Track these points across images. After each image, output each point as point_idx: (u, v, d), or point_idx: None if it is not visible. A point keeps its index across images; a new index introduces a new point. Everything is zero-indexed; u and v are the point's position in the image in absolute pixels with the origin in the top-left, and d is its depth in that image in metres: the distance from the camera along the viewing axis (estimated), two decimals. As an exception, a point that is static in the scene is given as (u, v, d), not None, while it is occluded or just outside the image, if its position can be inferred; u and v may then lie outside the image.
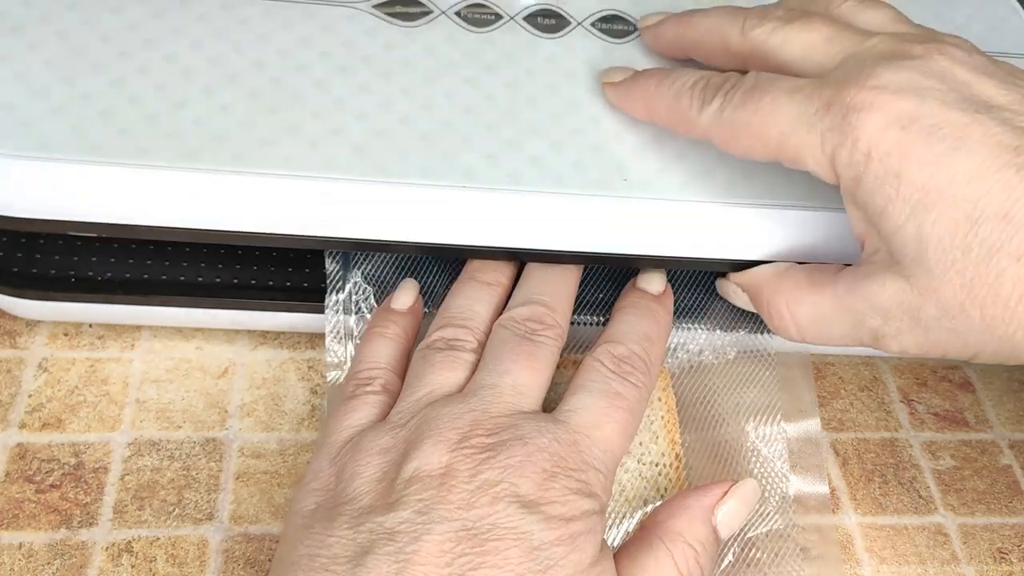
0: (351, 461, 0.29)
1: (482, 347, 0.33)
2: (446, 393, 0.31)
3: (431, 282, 0.38)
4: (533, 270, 0.35)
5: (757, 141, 0.31)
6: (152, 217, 0.34)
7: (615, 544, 0.33)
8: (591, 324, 0.38)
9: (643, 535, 0.31)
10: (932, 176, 0.28)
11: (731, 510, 0.32)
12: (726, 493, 0.32)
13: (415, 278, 0.38)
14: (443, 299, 0.36)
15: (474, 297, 0.34)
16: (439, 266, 0.39)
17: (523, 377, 0.31)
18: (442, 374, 0.31)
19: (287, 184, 0.34)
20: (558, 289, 0.35)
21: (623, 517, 0.33)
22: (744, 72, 0.33)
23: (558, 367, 0.35)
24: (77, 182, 0.33)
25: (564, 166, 0.36)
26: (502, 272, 0.36)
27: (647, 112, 0.36)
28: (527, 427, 0.29)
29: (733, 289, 0.36)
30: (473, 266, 0.36)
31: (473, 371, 0.32)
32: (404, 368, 0.33)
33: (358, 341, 0.36)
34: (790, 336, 0.33)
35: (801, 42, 0.32)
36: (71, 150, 0.34)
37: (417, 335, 0.35)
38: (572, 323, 0.37)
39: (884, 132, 0.28)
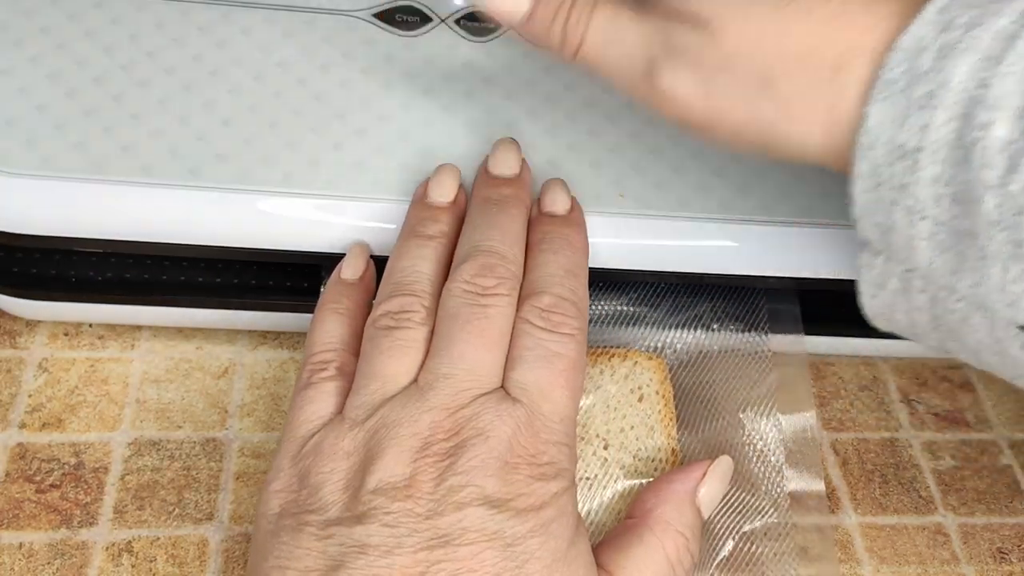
0: (314, 465, 0.29)
1: (433, 312, 0.31)
2: (401, 385, 0.30)
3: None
4: (475, 213, 0.34)
5: None
6: (156, 234, 0.34)
7: (601, 520, 0.33)
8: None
9: (632, 526, 0.31)
10: None
11: (711, 490, 0.32)
12: (705, 473, 0.32)
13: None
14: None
15: (417, 255, 0.32)
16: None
17: (478, 358, 0.30)
18: (392, 363, 0.30)
19: (287, 202, 0.34)
20: (506, 229, 0.33)
21: (618, 514, 0.33)
22: None
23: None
24: (80, 200, 0.34)
25: None
26: (444, 222, 0.34)
27: None
28: (486, 417, 0.28)
29: None
30: (413, 218, 0.34)
31: (427, 345, 0.31)
32: (359, 344, 0.32)
33: None
34: (569, 49, 0.31)
35: None
36: (74, 168, 0.34)
37: (371, 305, 0.34)
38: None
39: None
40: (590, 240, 0.34)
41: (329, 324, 0.32)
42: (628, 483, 0.33)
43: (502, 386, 0.30)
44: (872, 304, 0.29)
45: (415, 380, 0.30)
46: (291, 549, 0.27)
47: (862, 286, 0.29)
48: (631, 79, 0.31)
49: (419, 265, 0.32)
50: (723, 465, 0.33)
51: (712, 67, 0.29)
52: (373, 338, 0.31)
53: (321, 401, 0.30)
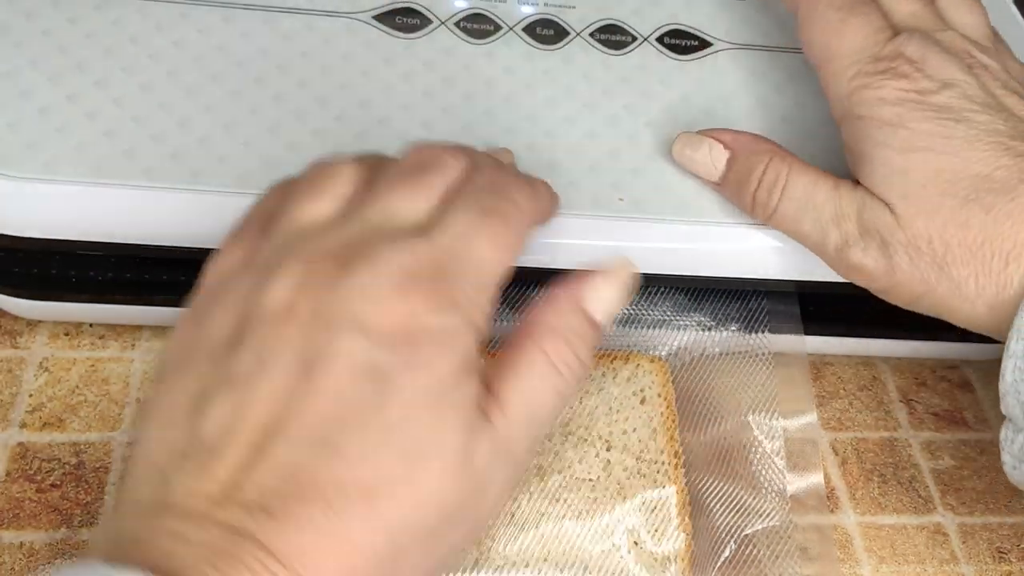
0: (207, 305, 0.27)
1: (357, 176, 0.29)
2: (314, 220, 0.28)
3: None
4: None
5: (822, 40, 0.35)
6: (156, 237, 0.34)
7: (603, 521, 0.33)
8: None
9: (514, 339, 0.29)
10: (931, 131, 0.33)
11: (602, 293, 0.30)
12: (597, 278, 0.30)
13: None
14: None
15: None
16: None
17: (400, 202, 0.28)
18: (305, 205, 0.28)
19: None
20: (448, 147, 0.31)
21: (625, 515, 0.33)
22: None
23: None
24: (82, 204, 0.34)
25: (561, 185, 0.36)
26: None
27: None
28: (383, 246, 0.27)
29: (711, 145, 0.36)
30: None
31: (350, 193, 0.29)
32: None
33: None
34: (763, 213, 0.35)
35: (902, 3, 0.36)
36: (76, 172, 0.34)
37: None
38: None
39: (906, 93, 0.33)
40: (590, 243, 0.35)
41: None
42: (630, 486, 0.33)
43: (422, 228, 0.28)
44: (1014, 474, 0.32)
45: (330, 217, 0.28)
46: (171, 386, 0.26)
47: (1004, 457, 0.33)
48: (823, 249, 0.35)
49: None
50: (617, 265, 0.31)
51: (897, 246, 0.33)
52: (286, 189, 0.30)
53: (231, 255, 0.29)
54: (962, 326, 0.34)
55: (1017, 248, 0.31)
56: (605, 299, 0.30)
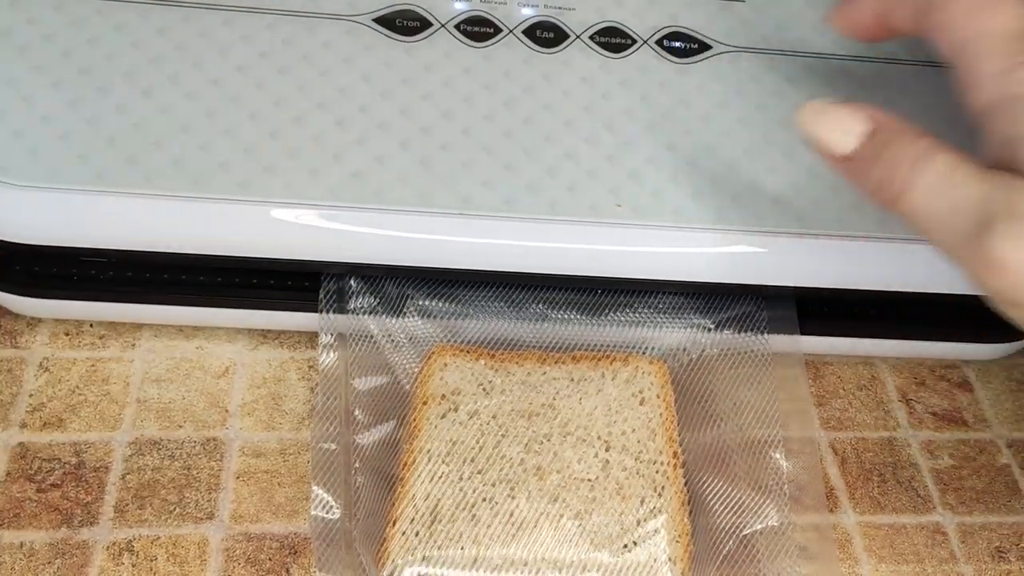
0: None
1: None
2: None
3: (416, 292, 0.38)
4: None
5: (965, 19, 0.31)
6: (157, 245, 0.34)
7: (601, 521, 0.33)
8: (579, 322, 0.38)
9: None
10: None
11: None
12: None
13: (406, 290, 0.38)
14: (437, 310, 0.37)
15: None
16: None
17: None
18: None
19: (288, 212, 0.35)
20: None
21: (620, 515, 0.33)
22: None
23: (555, 362, 0.36)
24: (85, 211, 0.34)
25: (559, 191, 0.36)
26: None
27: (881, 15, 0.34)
28: None
29: (850, 114, 0.31)
30: None
31: None
32: None
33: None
34: (895, 190, 0.30)
35: None
36: (79, 179, 0.34)
37: None
38: (561, 321, 0.37)
39: None
40: (588, 248, 0.35)
41: None
42: (630, 487, 0.33)
43: None
44: None
45: None
46: None
47: None
48: (954, 237, 0.29)
49: None
50: None
51: None
52: None
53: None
54: None
55: None
56: None
